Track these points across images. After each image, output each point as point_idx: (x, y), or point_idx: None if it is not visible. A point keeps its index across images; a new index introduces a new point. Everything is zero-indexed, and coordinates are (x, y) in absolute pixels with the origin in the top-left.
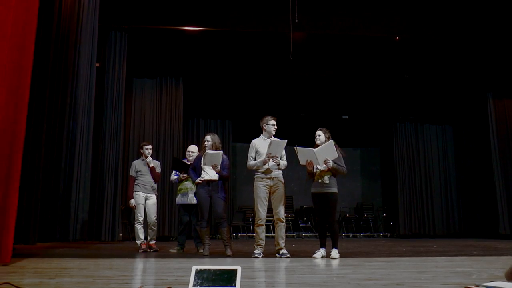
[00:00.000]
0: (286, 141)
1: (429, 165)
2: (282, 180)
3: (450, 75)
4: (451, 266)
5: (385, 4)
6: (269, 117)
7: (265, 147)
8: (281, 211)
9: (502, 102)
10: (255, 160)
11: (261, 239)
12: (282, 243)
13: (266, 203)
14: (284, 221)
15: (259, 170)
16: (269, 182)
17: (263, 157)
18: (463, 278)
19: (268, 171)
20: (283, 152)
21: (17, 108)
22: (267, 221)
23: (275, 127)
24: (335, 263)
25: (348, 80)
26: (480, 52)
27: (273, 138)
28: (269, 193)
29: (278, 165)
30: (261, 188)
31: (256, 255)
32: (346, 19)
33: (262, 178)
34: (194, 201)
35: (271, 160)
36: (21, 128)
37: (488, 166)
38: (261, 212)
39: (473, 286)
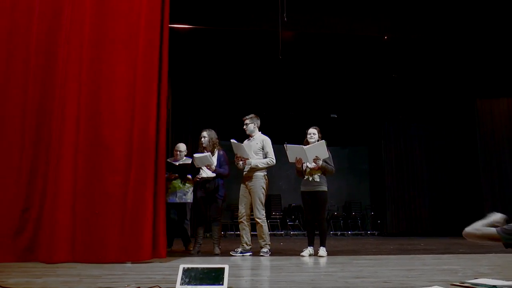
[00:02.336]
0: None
1: (416, 164)
2: None
3: (438, 74)
4: (438, 264)
5: (374, 4)
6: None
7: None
8: None
9: (488, 101)
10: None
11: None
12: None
13: None
14: None
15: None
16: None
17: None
18: (449, 275)
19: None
20: (269, 149)
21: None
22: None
23: (244, 127)
24: (323, 261)
25: (337, 78)
26: (467, 52)
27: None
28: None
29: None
30: (265, 187)
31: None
32: (335, 18)
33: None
34: (183, 200)
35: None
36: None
37: (475, 165)
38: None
39: (459, 284)
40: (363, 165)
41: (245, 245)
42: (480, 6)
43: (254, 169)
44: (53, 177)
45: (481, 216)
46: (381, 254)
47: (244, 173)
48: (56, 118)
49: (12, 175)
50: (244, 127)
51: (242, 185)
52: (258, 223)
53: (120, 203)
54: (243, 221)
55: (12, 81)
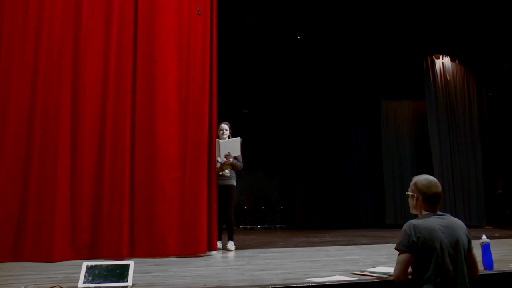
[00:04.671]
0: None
1: (325, 159)
2: None
3: (347, 75)
4: (341, 255)
5: (289, 4)
6: None
7: None
8: None
9: (392, 103)
10: None
11: None
12: None
13: None
14: None
15: None
16: None
17: None
18: (351, 265)
19: None
20: None
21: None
22: None
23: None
24: (230, 255)
25: (250, 75)
26: (373, 55)
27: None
28: None
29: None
30: None
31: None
32: (252, 16)
33: None
34: None
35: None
36: None
37: (378, 163)
38: None
39: (358, 272)
40: (273, 160)
41: None
42: (385, 15)
43: None
44: (109, 174)
45: (382, 209)
46: (288, 247)
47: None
48: (110, 116)
49: (66, 175)
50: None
51: None
52: None
53: (178, 198)
54: None
55: (63, 80)
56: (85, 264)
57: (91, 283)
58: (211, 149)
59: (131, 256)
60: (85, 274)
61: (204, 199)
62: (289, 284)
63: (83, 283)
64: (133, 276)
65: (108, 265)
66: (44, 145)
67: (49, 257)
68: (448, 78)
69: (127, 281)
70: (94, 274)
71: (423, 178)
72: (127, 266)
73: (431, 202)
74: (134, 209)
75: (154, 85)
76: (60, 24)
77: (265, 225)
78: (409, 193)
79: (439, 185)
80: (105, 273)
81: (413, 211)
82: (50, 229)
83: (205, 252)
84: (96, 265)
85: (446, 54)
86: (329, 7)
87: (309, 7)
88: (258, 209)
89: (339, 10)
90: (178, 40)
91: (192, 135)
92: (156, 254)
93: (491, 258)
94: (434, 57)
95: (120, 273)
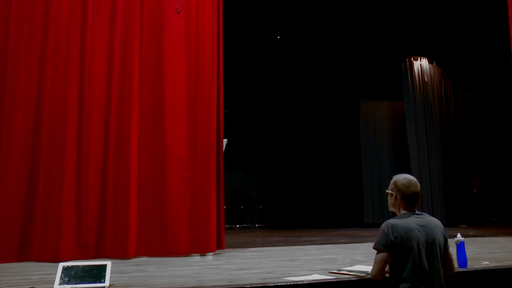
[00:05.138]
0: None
1: (303, 159)
2: None
3: (326, 76)
4: (319, 254)
5: (268, 4)
6: None
7: None
8: None
9: (370, 103)
10: None
11: None
12: None
13: None
14: None
15: None
16: None
17: None
18: (329, 264)
19: None
20: None
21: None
22: None
23: None
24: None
25: (230, 74)
26: (353, 56)
27: None
28: None
29: None
30: None
31: None
32: (232, 15)
33: None
34: None
35: None
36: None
37: (357, 162)
38: None
39: (336, 271)
40: (252, 159)
41: None
42: (365, 16)
43: None
44: (114, 175)
45: (360, 208)
46: (267, 246)
47: None
48: (116, 116)
49: (72, 176)
50: None
51: None
52: None
53: (189, 198)
54: None
55: (70, 80)
56: (61, 265)
57: (67, 284)
58: (219, 149)
59: (138, 255)
60: (61, 275)
61: (214, 199)
62: (267, 283)
63: (59, 284)
64: (111, 277)
65: (84, 266)
66: (51, 145)
67: (56, 257)
68: (426, 80)
69: (104, 282)
70: (70, 275)
71: (403, 177)
72: (104, 266)
73: (409, 201)
74: (143, 208)
75: (163, 86)
76: (65, 26)
77: (244, 225)
78: (389, 191)
79: (418, 185)
80: (81, 274)
81: (391, 209)
82: (56, 229)
83: (215, 251)
84: (72, 266)
85: (424, 56)
86: (309, 7)
87: (289, 7)
88: (237, 209)
89: (318, 10)
90: (186, 41)
91: (201, 135)
92: (168, 254)
93: (466, 256)
94: (412, 58)
95: (97, 274)
